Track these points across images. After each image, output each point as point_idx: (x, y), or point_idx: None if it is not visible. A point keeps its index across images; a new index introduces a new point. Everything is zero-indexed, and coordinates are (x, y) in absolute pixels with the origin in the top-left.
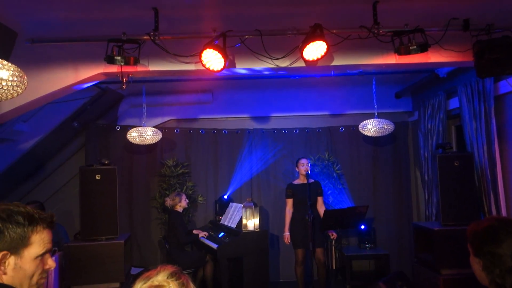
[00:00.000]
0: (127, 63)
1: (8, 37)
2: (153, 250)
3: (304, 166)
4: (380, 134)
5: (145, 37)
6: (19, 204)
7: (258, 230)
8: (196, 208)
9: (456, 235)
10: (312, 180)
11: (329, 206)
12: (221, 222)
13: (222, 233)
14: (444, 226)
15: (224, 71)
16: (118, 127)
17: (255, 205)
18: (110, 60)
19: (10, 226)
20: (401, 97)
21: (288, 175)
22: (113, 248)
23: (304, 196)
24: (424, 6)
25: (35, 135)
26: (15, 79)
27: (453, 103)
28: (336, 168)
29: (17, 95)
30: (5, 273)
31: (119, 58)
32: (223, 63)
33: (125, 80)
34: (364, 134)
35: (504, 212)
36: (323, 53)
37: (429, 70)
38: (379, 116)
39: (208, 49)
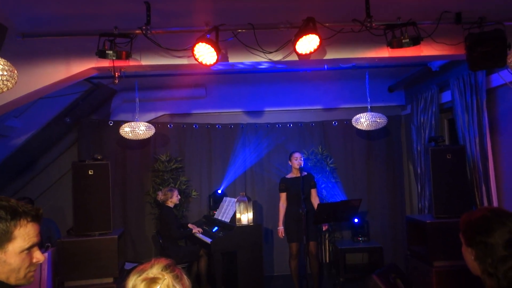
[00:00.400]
0: (119, 57)
1: None
2: (147, 245)
3: (297, 160)
4: (373, 128)
5: (137, 31)
6: (3, 198)
7: (252, 224)
8: (190, 202)
9: (448, 228)
10: (305, 173)
11: (322, 200)
12: (215, 216)
13: (216, 228)
14: (436, 219)
15: (217, 65)
16: (111, 122)
17: (249, 199)
18: (102, 55)
19: None
20: (394, 91)
21: (281, 169)
22: (106, 243)
23: (298, 190)
24: None
25: (27, 130)
26: (5, 73)
27: (446, 97)
28: (329, 162)
29: (7, 89)
30: None
31: (110, 52)
32: (216, 57)
33: (117, 74)
34: (357, 128)
35: (495, 204)
36: (316, 47)
37: (422, 63)
38: (372, 110)
39: (200, 43)
